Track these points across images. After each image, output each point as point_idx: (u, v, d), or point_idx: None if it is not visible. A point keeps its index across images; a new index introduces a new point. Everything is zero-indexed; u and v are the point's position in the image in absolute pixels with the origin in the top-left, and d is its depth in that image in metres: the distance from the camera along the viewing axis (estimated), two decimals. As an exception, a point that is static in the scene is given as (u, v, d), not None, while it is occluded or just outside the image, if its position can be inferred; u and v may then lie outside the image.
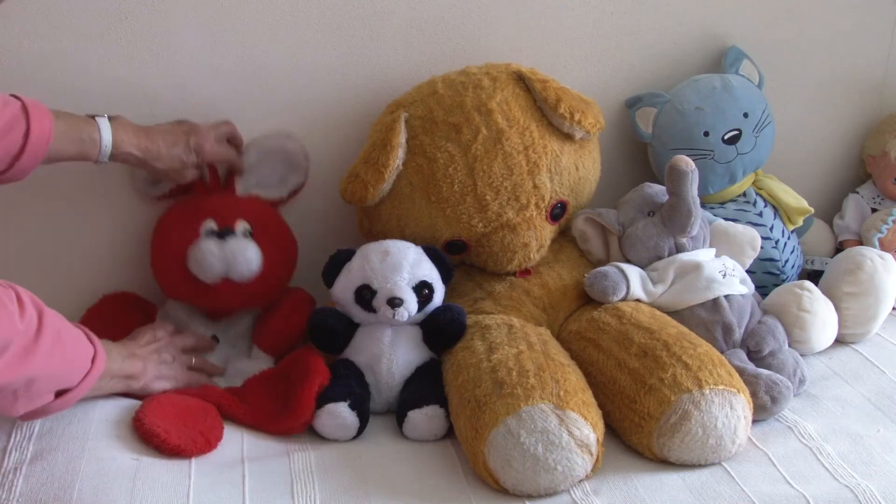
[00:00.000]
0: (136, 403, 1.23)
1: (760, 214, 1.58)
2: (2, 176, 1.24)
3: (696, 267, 1.41)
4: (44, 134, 1.24)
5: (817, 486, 1.16)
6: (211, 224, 1.42)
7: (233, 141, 1.48)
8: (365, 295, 1.35)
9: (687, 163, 1.39)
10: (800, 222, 1.61)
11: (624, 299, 1.40)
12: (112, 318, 1.47)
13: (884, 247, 1.62)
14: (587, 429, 1.16)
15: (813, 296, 1.43)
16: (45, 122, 1.24)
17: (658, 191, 1.49)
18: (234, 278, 1.41)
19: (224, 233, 1.41)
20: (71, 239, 1.51)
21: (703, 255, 1.44)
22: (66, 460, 1.11)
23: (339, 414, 1.28)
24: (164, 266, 1.45)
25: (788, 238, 1.60)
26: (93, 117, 1.31)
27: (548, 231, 1.46)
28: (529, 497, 1.16)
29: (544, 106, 1.42)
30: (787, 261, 1.58)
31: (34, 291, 1.07)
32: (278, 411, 1.30)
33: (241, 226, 1.43)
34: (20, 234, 1.49)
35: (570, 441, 1.15)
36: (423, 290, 1.36)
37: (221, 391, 1.33)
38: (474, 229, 1.42)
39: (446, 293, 1.42)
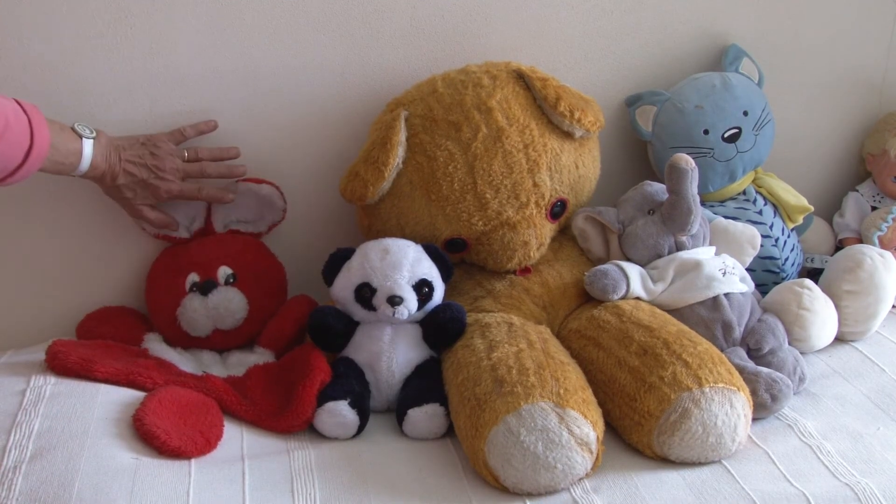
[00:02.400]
0: (136, 402, 1.23)
1: (760, 212, 1.58)
2: None
3: (696, 265, 1.41)
4: (42, 154, 1.25)
5: (817, 485, 1.16)
6: (194, 277, 1.46)
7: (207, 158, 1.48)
8: (365, 293, 1.35)
9: (687, 161, 1.39)
10: (800, 220, 1.61)
11: (624, 297, 1.40)
12: (109, 320, 1.49)
13: (884, 245, 1.62)
14: (587, 427, 1.16)
15: (813, 294, 1.43)
16: (45, 142, 1.25)
17: (658, 189, 1.49)
18: (224, 328, 1.46)
19: (207, 286, 1.45)
20: (77, 253, 1.52)
21: (703, 254, 1.44)
22: (66, 459, 1.11)
23: (339, 412, 1.28)
24: (160, 322, 1.49)
25: (788, 236, 1.60)
26: (79, 136, 1.32)
27: (547, 229, 1.46)
28: (529, 495, 1.16)
29: (544, 104, 1.42)
30: (786, 259, 1.58)
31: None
32: (279, 408, 1.30)
33: (223, 273, 1.47)
34: (27, 242, 1.50)
35: (570, 439, 1.15)
36: (422, 289, 1.36)
37: (223, 384, 1.33)
38: (474, 227, 1.42)
39: (446, 291, 1.42)
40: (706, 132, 1.56)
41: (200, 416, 1.24)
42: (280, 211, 1.54)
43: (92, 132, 1.34)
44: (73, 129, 1.32)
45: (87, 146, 1.33)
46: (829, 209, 1.76)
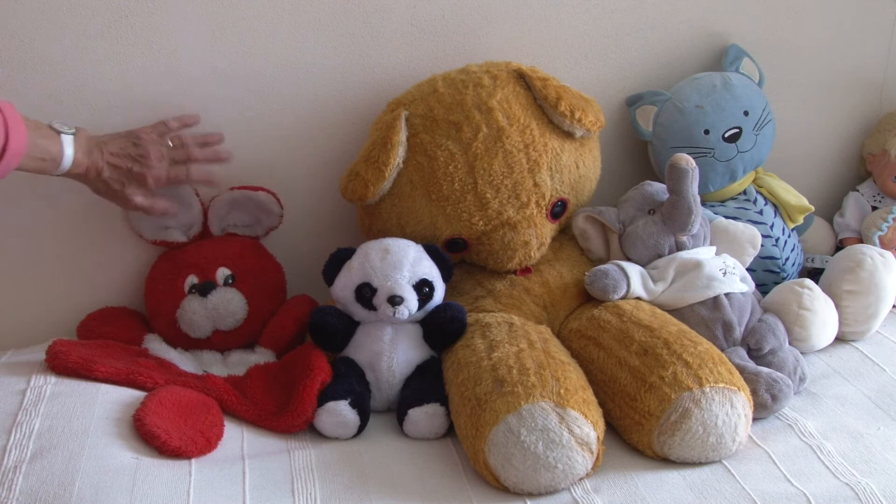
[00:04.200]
0: (136, 401, 1.23)
1: (761, 212, 1.58)
2: None
3: (697, 265, 1.41)
4: (19, 151, 1.21)
5: (818, 484, 1.16)
6: (193, 279, 1.46)
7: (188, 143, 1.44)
8: (365, 293, 1.35)
9: (687, 161, 1.39)
10: (800, 220, 1.61)
11: (624, 297, 1.40)
12: (110, 320, 1.49)
13: (884, 245, 1.62)
14: (588, 427, 1.16)
15: (813, 294, 1.43)
16: (22, 138, 1.21)
17: (658, 189, 1.49)
18: (223, 329, 1.45)
19: (206, 287, 1.45)
20: (81, 254, 1.52)
21: (704, 254, 1.44)
22: (66, 458, 1.11)
23: (340, 412, 1.28)
24: (160, 325, 1.48)
25: (789, 236, 1.60)
26: (58, 133, 1.28)
27: (548, 229, 1.46)
28: (530, 495, 1.16)
29: (544, 104, 1.42)
30: (787, 259, 1.58)
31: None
32: (280, 408, 1.30)
33: (222, 274, 1.46)
34: (28, 243, 1.49)
35: (571, 439, 1.14)
36: (423, 289, 1.36)
37: (223, 383, 1.33)
38: (475, 227, 1.42)
39: (447, 291, 1.42)
40: (707, 132, 1.56)
41: (201, 416, 1.24)
42: (277, 217, 1.54)
43: (70, 129, 1.31)
44: (50, 126, 1.29)
45: (67, 143, 1.29)
46: (830, 209, 1.76)
